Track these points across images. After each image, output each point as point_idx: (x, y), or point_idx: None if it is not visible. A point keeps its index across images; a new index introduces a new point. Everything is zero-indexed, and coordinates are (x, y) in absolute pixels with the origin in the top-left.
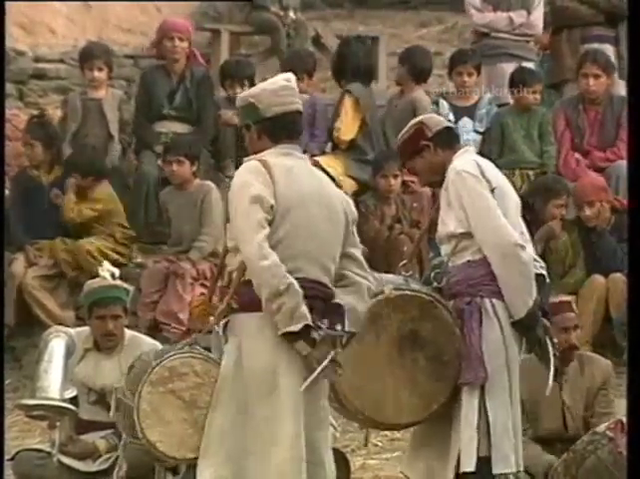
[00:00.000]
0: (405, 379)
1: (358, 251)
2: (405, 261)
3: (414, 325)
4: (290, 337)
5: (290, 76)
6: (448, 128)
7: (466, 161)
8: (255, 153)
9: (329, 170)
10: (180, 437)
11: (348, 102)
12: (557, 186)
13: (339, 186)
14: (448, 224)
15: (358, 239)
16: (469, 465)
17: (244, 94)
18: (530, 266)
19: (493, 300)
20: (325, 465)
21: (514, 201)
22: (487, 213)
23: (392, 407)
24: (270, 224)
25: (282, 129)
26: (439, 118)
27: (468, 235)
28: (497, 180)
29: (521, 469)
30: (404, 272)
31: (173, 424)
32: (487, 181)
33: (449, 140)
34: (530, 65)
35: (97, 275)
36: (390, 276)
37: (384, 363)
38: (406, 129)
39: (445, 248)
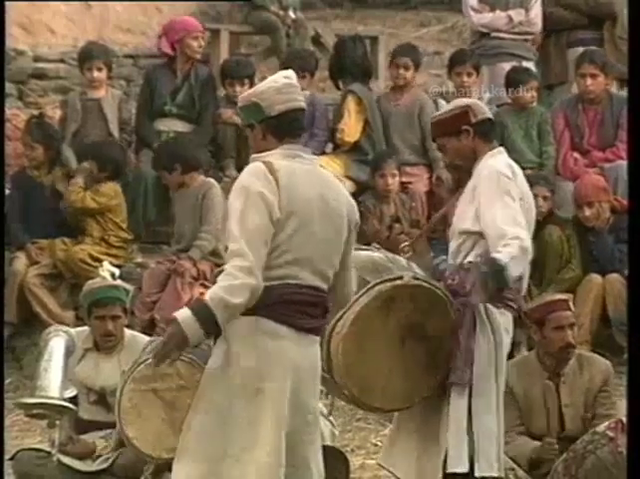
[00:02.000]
0: (399, 368)
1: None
2: (407, 244)
3: (422, 318)
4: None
5: (290, 73)
6: (490, 119)
7: (502, 162)
8: (260, 152)
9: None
10: (157, 436)
11: (351, 102)
12: (531, 177)
13: None
14: (465, 219)
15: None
16: (457, 465)
17: (246, 94)
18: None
19: (488, 306)
20: (312, 469)
21: (531, 217)
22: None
23: (379, 392)
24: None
25: (287, 127)
26: (484, 107)
27: (480, 234)
28: (523, 193)
29: (502, 475)
30: (403, 254)
31: (152, 423)
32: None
33: (487, 131)
34: (530, 64)
35: (95, 277)
36: (398, 258)
37: (384, 348)
38: (451, 107)
39: (454, 245)
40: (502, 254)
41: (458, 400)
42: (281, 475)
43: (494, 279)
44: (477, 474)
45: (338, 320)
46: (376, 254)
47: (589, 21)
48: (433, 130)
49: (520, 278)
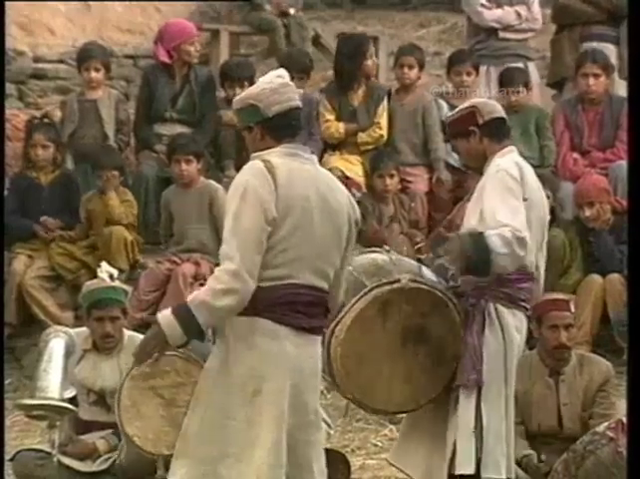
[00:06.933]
0: (401, 370)
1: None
2: (422, 244)
3: (422, 320)
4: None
5: (283, 72)
6: (500, 119)
7: (510, 161)
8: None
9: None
10: (157, 433)
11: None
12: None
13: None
14: (471, 219)
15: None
16: (466, 467)
17: (242, 96)
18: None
19: (498, 306)
20: (314, 470)
21: (538, 216)
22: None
23: (382, 394)
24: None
25: (284, 127)
26: (494, 106)
27: None
28: (531, 191)
29: (512, 476)
30: (419, 256)
31: (151, 420)
32: (522, 187)
33: (497, 131)
34: (532, 64)
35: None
36: (406, 261)
37: (384, 350)
38: (460, 108)
39: None
40: (491, 232)
41: (466, 401)
42: (282, 475)
43: (473, 248)
44: (483, 476)
45: (337, 324)
46: (380, 257)
47: (608, 18)
48: (448, 131)
49: (511, 262)
